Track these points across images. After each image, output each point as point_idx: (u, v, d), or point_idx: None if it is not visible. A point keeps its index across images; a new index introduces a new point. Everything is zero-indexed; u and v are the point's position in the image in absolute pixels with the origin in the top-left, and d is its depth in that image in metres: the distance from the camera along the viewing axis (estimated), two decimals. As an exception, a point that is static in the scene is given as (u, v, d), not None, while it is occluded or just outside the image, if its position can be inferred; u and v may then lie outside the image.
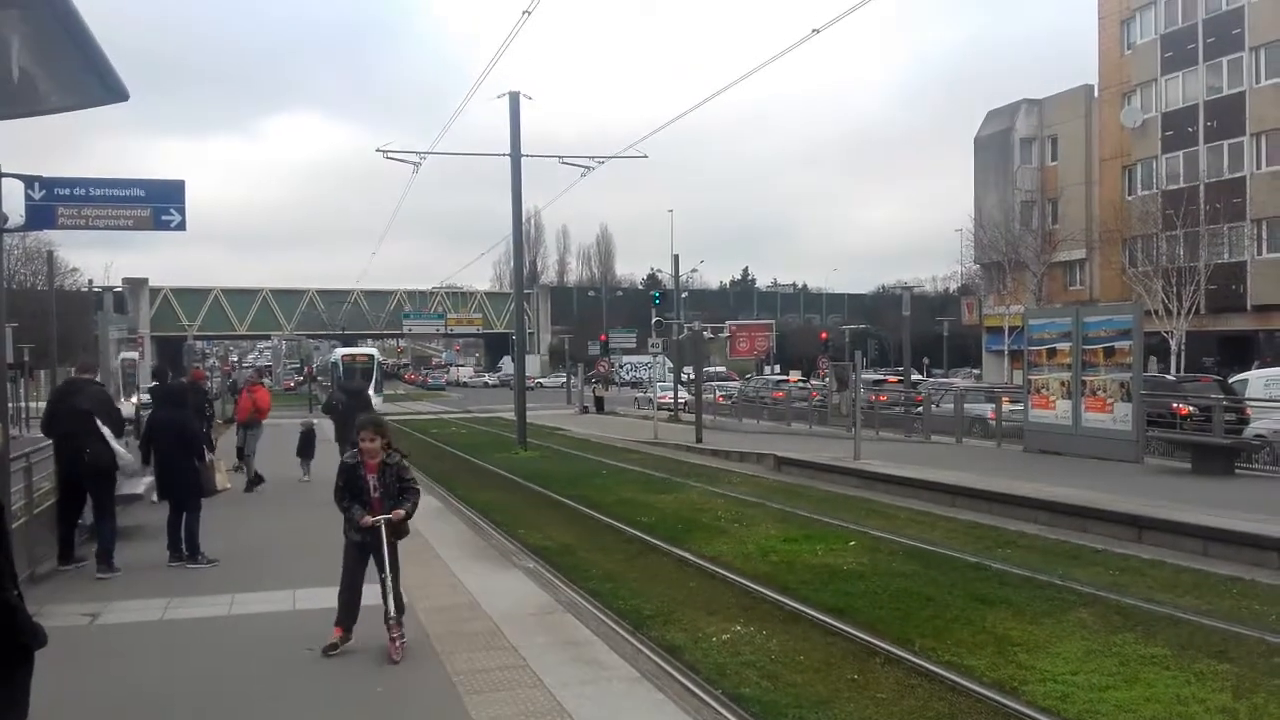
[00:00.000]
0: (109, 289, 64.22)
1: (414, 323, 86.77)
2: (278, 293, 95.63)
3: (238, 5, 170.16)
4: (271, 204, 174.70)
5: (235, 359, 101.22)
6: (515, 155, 27.37)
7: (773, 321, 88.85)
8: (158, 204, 12.85)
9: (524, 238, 34.25)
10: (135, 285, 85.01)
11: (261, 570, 9.72)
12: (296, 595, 8.57)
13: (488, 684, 6.06)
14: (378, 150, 27.17)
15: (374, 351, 59.47)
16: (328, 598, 8.38)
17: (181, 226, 13.74)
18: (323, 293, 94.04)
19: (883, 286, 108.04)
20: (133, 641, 7.31)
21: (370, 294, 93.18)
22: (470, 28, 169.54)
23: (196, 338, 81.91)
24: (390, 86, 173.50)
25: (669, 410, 39.49)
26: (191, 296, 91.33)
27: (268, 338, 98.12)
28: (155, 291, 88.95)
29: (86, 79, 6.16)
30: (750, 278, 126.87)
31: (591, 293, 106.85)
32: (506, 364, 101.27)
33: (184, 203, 12.80)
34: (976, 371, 59.64)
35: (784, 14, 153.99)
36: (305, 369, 71.17)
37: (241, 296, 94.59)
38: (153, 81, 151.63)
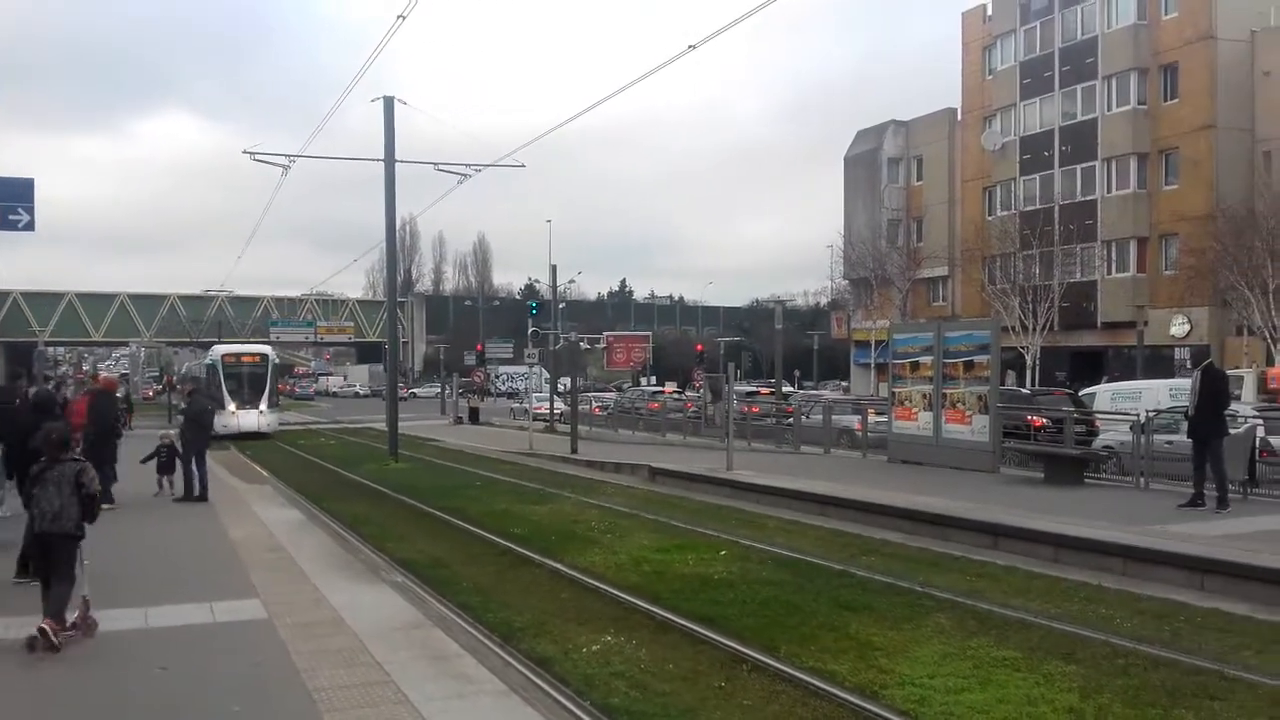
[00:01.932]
0: (-48, 292, 60.82)
1: (282, 330, 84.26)
2: (136, 298, 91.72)
3: (102, 3, 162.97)
4: (134, 207, 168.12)
5: (89, 366, 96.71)
6: (389, 160, 26.93)
7: (650, 333, 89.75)
8: (4, 203, 12.25)
9: (398, 245, 34.02)
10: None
11: (116, 588, 9.26)
12: (149, 613, 8.20)
13: (349, 701, 5.91)
14: (245, 151, 26.36)
15: (268, 350, 41.77)
16: (182, 614, 8.08)
17: (30, 226, 13.13)
18: (185, 298, 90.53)
19: (757, 300, 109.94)
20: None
21: (236, 300, 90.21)
22: (352, 32, 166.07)
23: (48, 343, 78.11)
24: (265, 89, 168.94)
25: (545, 421, 39.34)
26: (44, 300, 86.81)
27: (125, 345, 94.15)
28: (4, 295, 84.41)
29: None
30: (628, 289, 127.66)
31: (468, 302, 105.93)
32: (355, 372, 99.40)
33: (33, 202, 12.25)
34: (845, 384, 61.20)
35: (666, 31, 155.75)
36: (165, 377, 68.46)
37: (98, 301, 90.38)
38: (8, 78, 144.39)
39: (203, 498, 15.69)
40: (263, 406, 37.30)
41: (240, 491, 18.09)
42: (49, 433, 7.80)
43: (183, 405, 19.07)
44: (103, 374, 24.61)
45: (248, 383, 37.55)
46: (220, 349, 42.03)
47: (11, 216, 13.24)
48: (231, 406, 35.97)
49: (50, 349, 79.11)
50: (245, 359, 39.64)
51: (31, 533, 7.61)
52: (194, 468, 15.84)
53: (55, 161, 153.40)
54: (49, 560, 7.40)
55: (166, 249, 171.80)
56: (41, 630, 6.93)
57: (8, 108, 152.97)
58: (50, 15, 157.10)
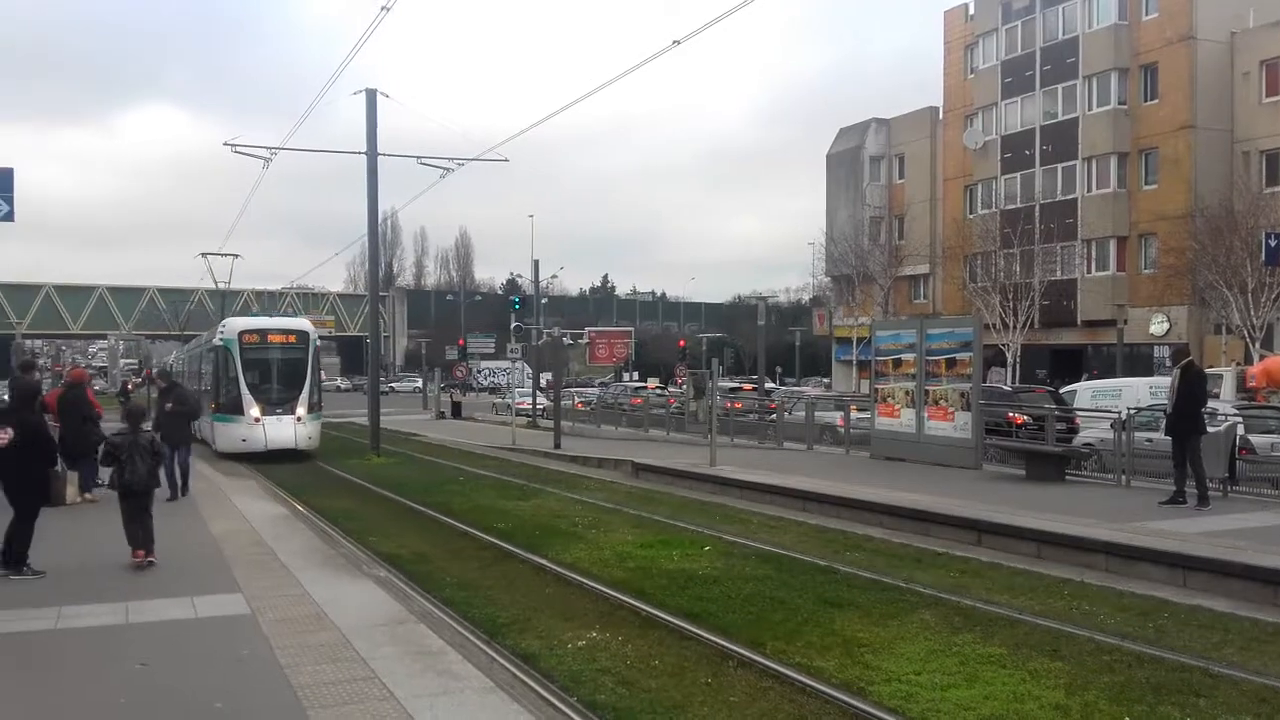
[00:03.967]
0: (-73, 283, 60.17)
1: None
2: (115, 290, 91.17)
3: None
4: (113, 199, 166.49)
5: (68, 359, 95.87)
6: (371, 154, 26.75)
7: (632, 329, 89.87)
8: (-18, 192, 12.11)
9: (380, 239, 33.57)
10: (-44, 279, 79.87)
11: (95, 582, 9.18)
12: (129, 608, 8.12)
13: (334, 698, 5.86)
14: (225, 144, 26.09)
15: (308, 327, 27.58)
16: (163, 610, 8.02)
17: (9, 217, 13.01)
18: (164, 291, 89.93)
19: (739, 296, 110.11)
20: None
21: (215, 293, 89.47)
22: (335, 24, 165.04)
23: (25, 336, 77.41)
24: (248, 82, 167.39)
25: (527, 416, 39.27)
26: (20, 292, 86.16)
27: (104, 337, 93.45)
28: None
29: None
30: (610, 285, 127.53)
31: (450, 296, 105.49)
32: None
33: (12, 192, 12.12)
34: (826, 380, 61.37)
35: (651, 28, 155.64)
36: (144, 370, 67.81)
37: (76, 294, 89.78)
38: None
39: (183, 492, 15.40)
40: (300, 411, 25.19)
41: (221, 485, 17.97)
42: (131, 409, 10.59)
43: (150, 398, 18.50)
44: (72, 366, 21.84)
45: (279, 375, 25.73)
46: (237, 323, 27.11)
47: (-11, 207, 13.08)
48: (254, 411, 24.56)
49: (28, 341, 78.31)
50: (275, 338, 26.30)
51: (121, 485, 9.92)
52: (173, 463, 15.21)
53: (35, 154, 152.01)
54: (140, 506, 9.92)
55: (146, 242, 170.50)
56: (149, 561, 9.79)
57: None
58: (29, 7, 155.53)
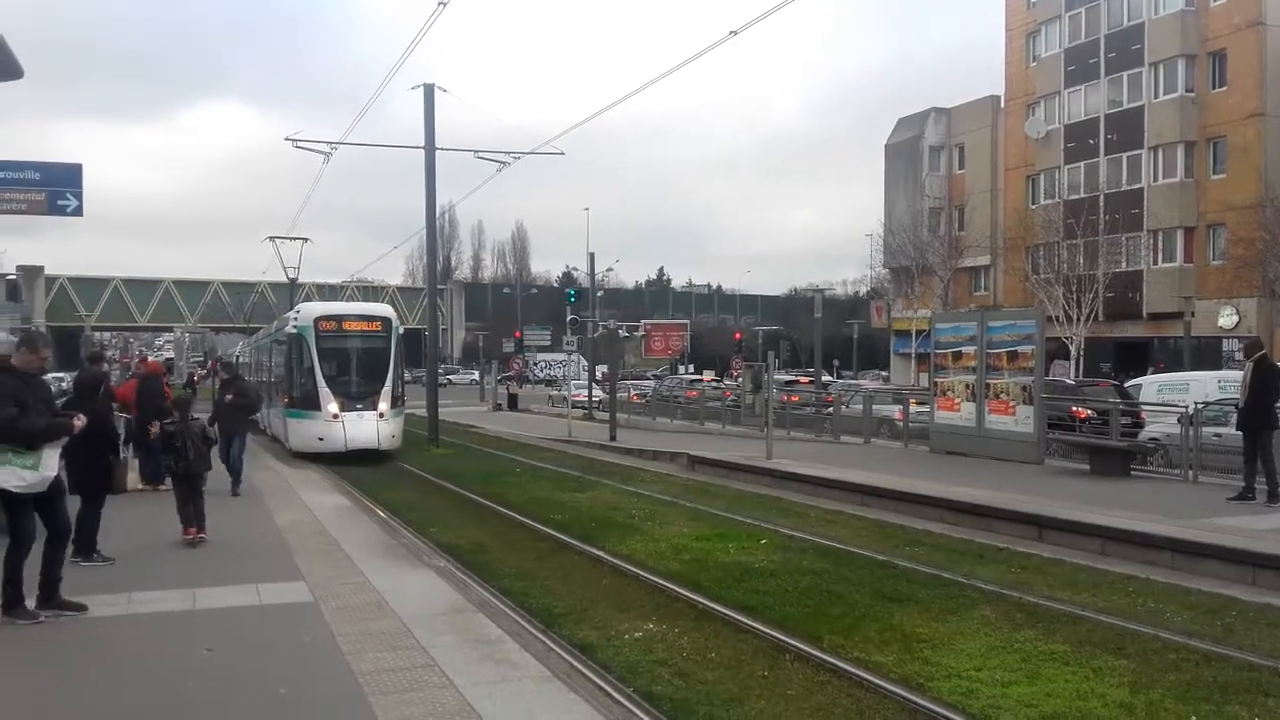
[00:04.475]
0: (1, 276, 61.88)
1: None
2: (181, 283, 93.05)
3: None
4: (180, 193, 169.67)
5: (138, 351, 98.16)
6: (429, 148, 27.02)
7: (687, 321, 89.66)
8: (53, 188, 12.44)
9: (438, 232, 33.86)
10: (30, 273, 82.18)
11: (164, 569, 9.40)
12: (196, 595, 8.30)
13: (395, 684, 5.93)
14: (287, 139, 26.50)
15: (390, 313, 25.19)
16: (228, 596, 8.18)
17: (78, 212, 13.31)
18: (228, 284, 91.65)
19: (795, 289, 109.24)
20: (18, 642, 7.00)
21: (277, 286, 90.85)
22: (394, 19, 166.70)
23: (95, 328, 79.31)
24: (311, 78, 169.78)
25: (583, 408, 39.41)
26: (90, 286, 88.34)
27: (170, 329, 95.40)
28: (51, 280, 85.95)
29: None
30: (666, 277, 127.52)
31: (506, 290, 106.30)
32: None
33: (81, 187, 12.43)
34: (885, 374, 60.79)
35: (707, 19, 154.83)
36: (209, 362, 69.07)
37: (143, 287, 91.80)
38: (63, 66, 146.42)
39: (234, 490, 14.94)
40: (383, 406, 22.94)
41: (287, 477, 18.28)
42: (178, 399, 11.57)
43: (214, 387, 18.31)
44: (140, 359, 21.15)
45: (359, 366, 23.51)
46: (313, 309, 24.90)
47: (60, 201, 13.43)
48: (332, 407, 22.36)
49: (96, 334, 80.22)
50: (353, 325, 24.05)
51: (175, 471, 10.98)
52: (228, 454, 15.10)
53: (104, 149, 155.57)
54: (193, 488, 10.80)
55: (212, 235, 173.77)
56: (200, 538, 10.67)
57: (61, 97, 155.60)
58: (103, 6, 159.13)
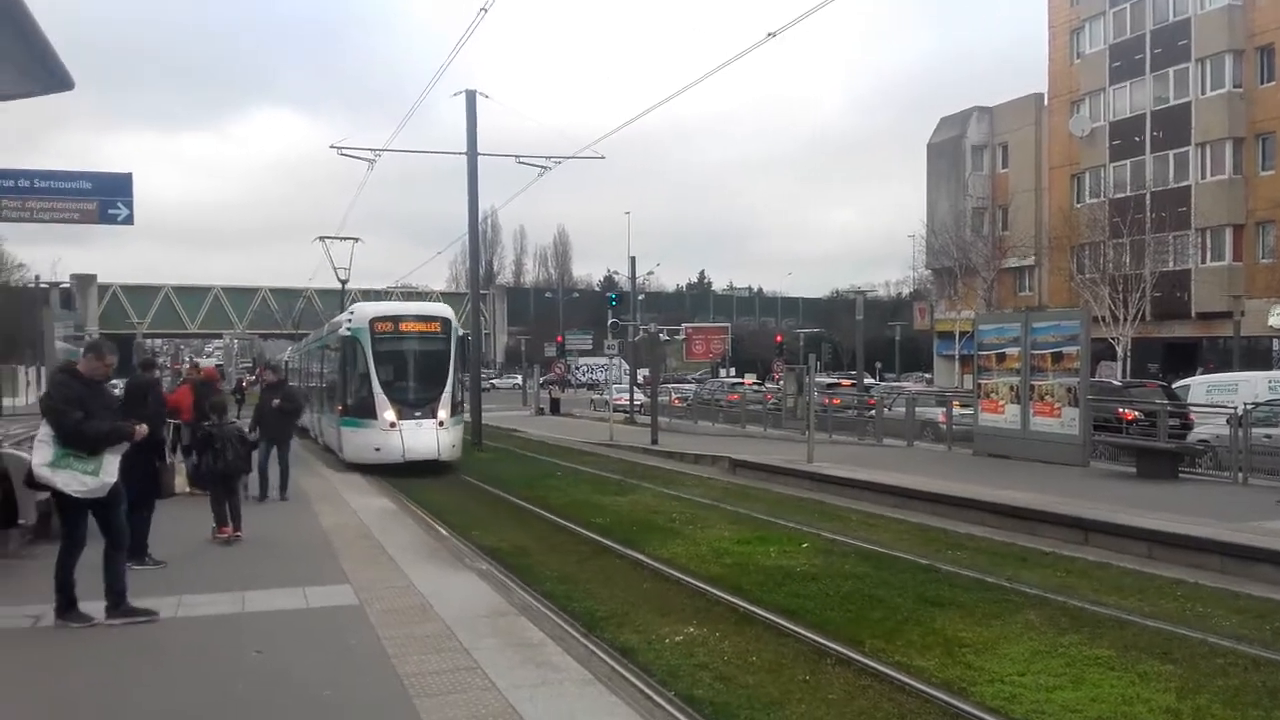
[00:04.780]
0: (56, 285, 63.14)
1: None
2: (229, 290, 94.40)
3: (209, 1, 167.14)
4: (228, 200, 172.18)
5: (188, 358, 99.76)
6: (471, 154, 27.28)
7: (728, 324, 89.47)
8: (104, 197, 12.69)
9: (480, 237, 34.10)
10: (83, 281, 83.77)
11: (213, 572, 9.57)
12: (245, 598, 8.45)
13: (439, 687, 6.01)
14: (332, 146, 26.88)
15: (449, 314, 23.00)
16: (276, 599, 8.31)
17: (129, 220, 13.57)
18: (275, 291, 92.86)
19: (837, 291, 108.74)
20: (74, 644, 7.16)
21: (324, 293, 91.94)
22: (436, 26, 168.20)
23: (146, 335, 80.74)
24: (355, 86, 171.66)
25: (625, 412, 39.49)
26: (141, 294, 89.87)
27: (219, 336, 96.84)
28: (104, 288, 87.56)
29: (30, 67, 6.06)
30: (707, 280, 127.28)
31: (548, 294, 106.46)
32: None
33: (131, 196, 12.66)
34: (928, 376, 60.27)
35: (745, 22, 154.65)
36: (258, 369, 69.97)
37: (192, 294, 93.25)
38: (115, 75, 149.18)
39: (282, 495, 15.01)
40: (442, 414, 21.29)
41: (332, 480, 18.50)
42: (214, 402, 11.91)
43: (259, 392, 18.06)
44: (202, 365, 21.38)
45: (417, 371, 21.85)
46: (368, 309, 22.94)
47: (111, 210, 13.68)
48: (389, 415, 20.85)
49: (148, 340, 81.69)
50: (411, 327, 22.22)
51: (210, 478, 11.30)
52: (268, 460, 14.98)
53: (154, 158, 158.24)
54: (230, 489, 11.28)
55: (258, 242, 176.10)
56: (235, 536, 11.17)
57: (113, 106, 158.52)
58: (149, 15, 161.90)
